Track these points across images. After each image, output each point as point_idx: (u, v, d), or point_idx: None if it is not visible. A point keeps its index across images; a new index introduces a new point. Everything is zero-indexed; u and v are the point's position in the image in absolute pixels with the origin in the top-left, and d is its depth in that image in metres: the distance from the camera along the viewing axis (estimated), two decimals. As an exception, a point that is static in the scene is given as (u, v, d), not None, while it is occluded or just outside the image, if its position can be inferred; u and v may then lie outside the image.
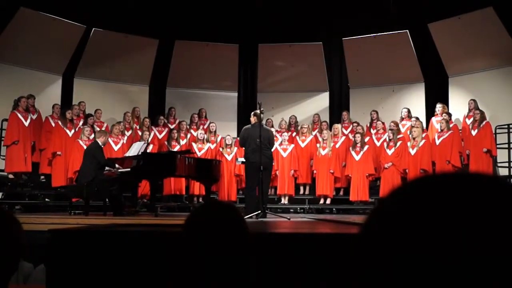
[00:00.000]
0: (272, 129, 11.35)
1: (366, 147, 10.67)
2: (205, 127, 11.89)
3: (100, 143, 8.44)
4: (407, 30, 11.96)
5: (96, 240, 3.26)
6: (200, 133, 11.35)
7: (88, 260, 3.10)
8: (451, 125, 10.41)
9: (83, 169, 8.22)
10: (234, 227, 1.50)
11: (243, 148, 8.51)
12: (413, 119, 10.88)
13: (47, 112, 10.88)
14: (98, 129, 10.60)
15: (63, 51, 11.81)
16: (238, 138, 8.95)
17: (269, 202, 10.52)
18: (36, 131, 10.48)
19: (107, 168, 8.39)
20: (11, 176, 10.18)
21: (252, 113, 8.49)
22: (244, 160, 8.39)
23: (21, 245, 1.50)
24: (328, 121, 12.18)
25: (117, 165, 8.40)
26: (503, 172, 10.24)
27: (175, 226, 4.01)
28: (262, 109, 8.24)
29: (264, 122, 9.60)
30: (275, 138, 11.14)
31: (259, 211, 7.41)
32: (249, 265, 1.49)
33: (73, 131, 10.58)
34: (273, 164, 9.72)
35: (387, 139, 10.65)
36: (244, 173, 8.66)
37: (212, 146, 11.35)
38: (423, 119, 11.42)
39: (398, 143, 10.45)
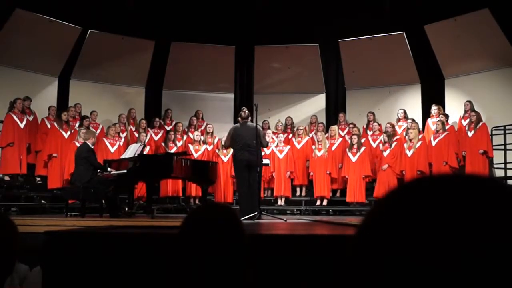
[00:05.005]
0: (268, 131, 11.36)
1: (362, 149, 10.68)
2: (201, 128, 11.89)
3: (89, 145, 8.41)
4: (403, 32, 11.98)
5: (92, 242, 3.25)
6: (197, 135, 11.35)
7: (85, 262, 3.09)
8: (447, 127, 10.44)
9: (77, 172, 8.21)
10: (231, 228, 1.50)
11: (228, 148, 8.43)
12: (409, 120, 10.90)
13: (43, 114, 10.87)
14: (93, 130, 10.57)
15: (59, 53, 11.78)
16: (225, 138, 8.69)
17: (266, 203, 10.53)
18: (31, 133, 10.47)
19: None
20: (6, 178, 10.16)
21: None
22: None
23: (16, 247, 1.50)
24: (324, 122, 12.21)
25: (109, 168, 8.39)
26: (499, 173, 10.26)
27: (172, 228, 4.01)
28: (244, 108, 8.23)
29: (260, 123, 9.59)
30: (271, 139, 11.16)
31: (256, 213, 7.39)
32: (245, 266, 1.49)
33: (69, 132, 10.56)
34: (269, 164, 9.70)
35: (383, 141, 10.68)
36: (234, 173, 8.62)
37: (209, 148, 11.35)
38: (419, 120, 11.44)
39: (393, 144, 10.46)
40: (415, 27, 11.76)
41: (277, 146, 11.22)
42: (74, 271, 3.07)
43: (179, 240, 1.51)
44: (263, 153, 8.67)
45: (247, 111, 8.14)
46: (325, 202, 10.95)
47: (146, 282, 2.92)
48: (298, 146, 11.47)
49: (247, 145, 7.77)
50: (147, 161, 8.18)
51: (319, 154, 10.91)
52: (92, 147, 8.56)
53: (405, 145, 10.38)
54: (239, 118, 8.26)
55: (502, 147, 10.14)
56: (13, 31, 10.77)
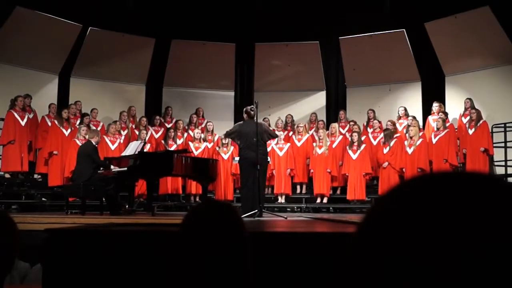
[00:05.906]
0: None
1: (363, 146, 10.68)
2: (202, 126, 11.90)
3: (94, 143, 8.42)
4: (404, 29, 11.97)
5: (93, 240, 3.25)
6: (197, 132, 11.35)
7: (85, 259, 3.09)
8: (447, 124, 10.44)
9: (79, 169, 8.20)
10: (231, 226, 1.50)
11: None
12: (409, 118, 10.89)
13: (43, 111, 10.87)
14: (94, 128, 10.57)
15: (59, 50, 11.78)
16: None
17: (266, 201, 10.52)
18: (32, 131, 10.47)
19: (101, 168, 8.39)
20: (7, 175, 10.17)
21: (244, 109, 8.38)
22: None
23: (16, 245, 1.50)
24: (324, 120, 12.20)
25: (112, 166, 8.39)
26: (500, 171, 10.27)
27: (172, 226, 4.01)
28: (252, 106, 8.20)
29: (261, 120, 9.56)
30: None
31: (256, 210, 7.39)
32: (246, 264, 1.49)
33: (69, 130, 10.56)
34: (269, 161, 9.68)
35: (382, 141, 10.71)
36: (239, 171, 8.60)
37: (209, 145, 11.35)
38: (419, 118, 11.44)
39: (393, 142, 10.46)
40: (416, 24, 11.76)
41: (277, 143, 11.23)
42: (75, 269, 3.07)
43: (179, 237, 1.51)
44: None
45: (255, 109, 8.09)
46: (325, 200, 10.95)
47: (147, 280, 2.92)
48: (298, 144, 11.47)
49: (251, 144, 7.79)
50: (147, 159, 8.18)
51: (319, 151, 10.90)
52: (96, 145, 8.57)
53: (406, 142, 10.38)
54: (246, 115, 8.19)
55: (503, 144, 10.14)
56: (13, 29, 10.77)
